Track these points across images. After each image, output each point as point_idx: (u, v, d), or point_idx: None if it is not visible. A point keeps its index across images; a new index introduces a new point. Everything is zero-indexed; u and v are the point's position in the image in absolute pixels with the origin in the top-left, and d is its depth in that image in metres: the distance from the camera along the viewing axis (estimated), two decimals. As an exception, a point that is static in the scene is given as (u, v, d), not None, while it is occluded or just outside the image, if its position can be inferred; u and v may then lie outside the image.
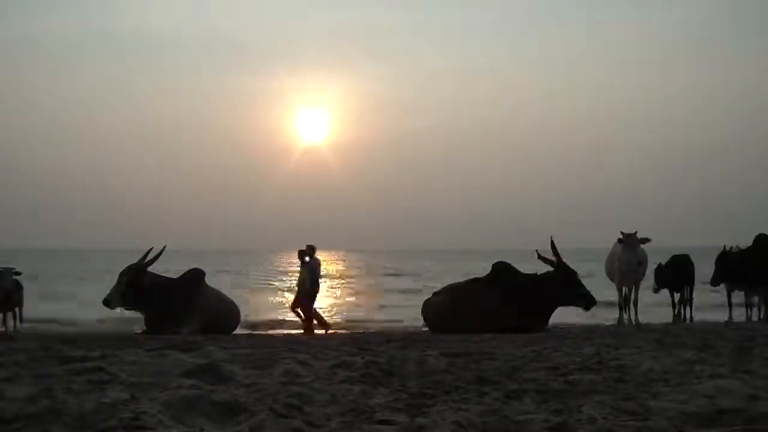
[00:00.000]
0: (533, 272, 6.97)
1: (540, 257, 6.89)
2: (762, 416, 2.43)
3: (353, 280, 24.89)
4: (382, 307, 13.60)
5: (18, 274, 8.36)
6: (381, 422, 2.38)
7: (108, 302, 6.37)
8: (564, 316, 8.75)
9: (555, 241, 6.94)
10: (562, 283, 6.75)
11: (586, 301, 6.88)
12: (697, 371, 3.25)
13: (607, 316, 9.27)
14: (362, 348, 4.45)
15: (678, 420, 2.40)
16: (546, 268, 6.97)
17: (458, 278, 7.29)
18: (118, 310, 6.70)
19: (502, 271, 6.82)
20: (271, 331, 6.07)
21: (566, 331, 6.48)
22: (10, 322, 7.98)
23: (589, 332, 6.22)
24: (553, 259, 6.90)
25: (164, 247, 6.51)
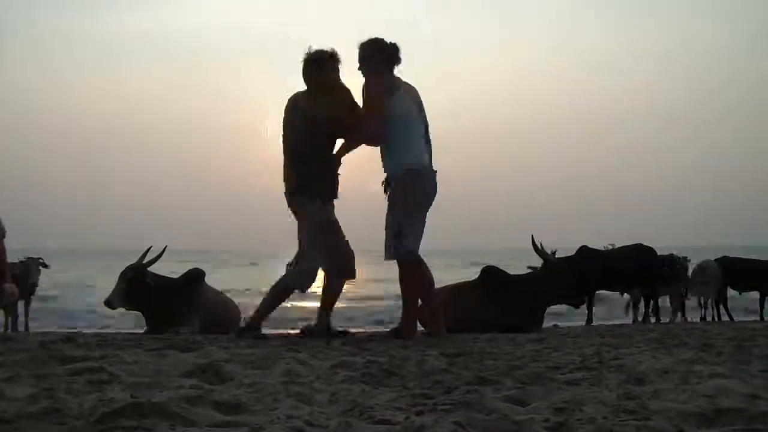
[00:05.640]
0: (523, 273, 7.00)
1: (536, 250, 6.88)
2: (762, 416, 2.42)
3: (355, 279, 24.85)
4: (381, 305, 13.59)
5: (45, 266, 8.34)
6: (381, 422, 2.38)
7: (110, 302, 6.35)
8: (564, 316, 8.76)
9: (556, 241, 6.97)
10: (550, 281, 6.75)
11: (575, 298, 6.88)
12: (697, 371, 3.25)
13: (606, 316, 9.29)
14: (362, 348, 4.44)
15: (678, 420, 2.40)
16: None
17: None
18: (120, 310, 6.70)
19: (491, 273, 6.84)
20: (271, 331, 6.06)
21: (566, 331, 6.48)
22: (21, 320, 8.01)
23: (590, 332, 6.22)
24: (546, 255, 6.90)
25: (165, 248, 6.50)
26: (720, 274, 9.22)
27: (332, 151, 5.43)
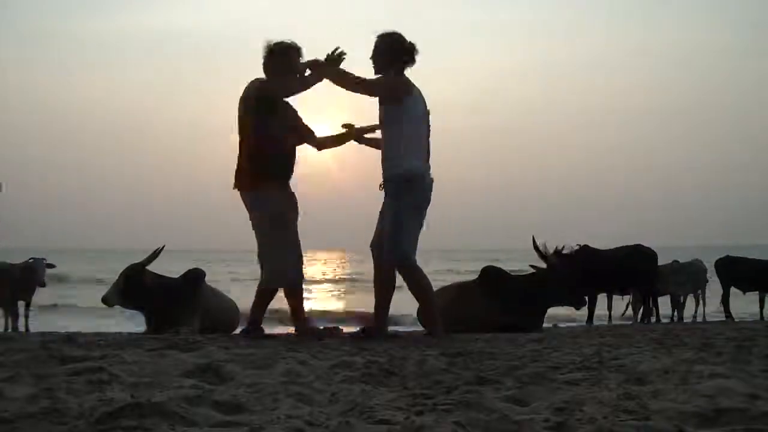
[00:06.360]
0: (523, 273, 7.01)
1: (537, 250, 6.89)
2: (762, 416, 2.42)
3: (357, 279, 24.89)
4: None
5: (51, 266, 8.33)
6: (381, 422, 2.38)
7: (106, 300, 6.36)
8: (564, 316, 8.76)
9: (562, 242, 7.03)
10: (551, 282, 6.75)
11: (576, 300, 6.87)
12: (697, 371, 3.25)
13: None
14: (362, 347, 4.44)
15: (678, 420, 2.40)
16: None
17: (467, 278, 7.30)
18: (117, 308, 6.71)
19: (491, 274, 6.84)
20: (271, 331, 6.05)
21: (567, 331, 6.48)
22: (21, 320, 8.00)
23: (590, 332, 6.22)
24: (548, 256, 6.91)
25: (162, 246, 6.51)
26: (703, 271, 9.30)
27: (286, 137, 5.35)
